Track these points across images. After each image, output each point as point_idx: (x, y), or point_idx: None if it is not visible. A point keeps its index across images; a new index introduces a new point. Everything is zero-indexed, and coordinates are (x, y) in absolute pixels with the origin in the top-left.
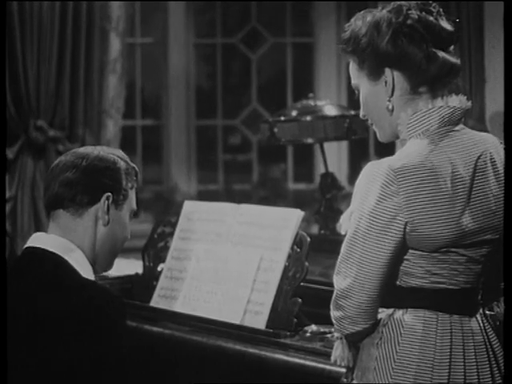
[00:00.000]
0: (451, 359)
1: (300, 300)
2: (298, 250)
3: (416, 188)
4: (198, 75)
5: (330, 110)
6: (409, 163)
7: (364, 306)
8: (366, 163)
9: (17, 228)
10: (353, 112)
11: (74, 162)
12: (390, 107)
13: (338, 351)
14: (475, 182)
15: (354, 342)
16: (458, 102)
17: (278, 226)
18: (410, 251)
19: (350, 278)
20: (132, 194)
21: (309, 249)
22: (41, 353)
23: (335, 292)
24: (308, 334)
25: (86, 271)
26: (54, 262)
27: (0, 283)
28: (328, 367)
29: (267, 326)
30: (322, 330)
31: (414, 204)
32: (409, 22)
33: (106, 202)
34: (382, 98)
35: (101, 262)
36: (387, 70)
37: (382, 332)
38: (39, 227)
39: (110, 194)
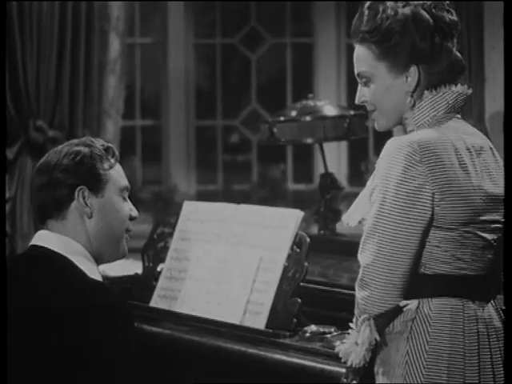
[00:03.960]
0: (479, 346)
1: (299, 300)
2: (298, 250)
3: (438, 158)
4: (197, 75)
5: (330, 110)
6: (428, 137)
7: (392, 282)
8: (366, 163)
9: (16, 228)
10: (352, 112)
11: (41, 172)
12: (412, 103)
13: (366, 333)
14: (483, 161)
15: (380, 326)
16: (460, 88)
17: (278, 226)
18: (435, 234)
19: (377, 251)
20: (114, 173)
21: (308, 249)
22: (41, 351)
23: (361, 271)
24: (308, 334)
25: (92, 271)
26: (59, 262)
27: (0, 283)
28: (328, 367)
29: (267, 326)
30: (321, 330)
31: (438, 173)
32: (446, 19)
33: (81, 195)
34: (400, 91)
35: (105, 251)
36: (413, 67)
37: (411, 327)
38: (38, 227)
39: (81, 186)
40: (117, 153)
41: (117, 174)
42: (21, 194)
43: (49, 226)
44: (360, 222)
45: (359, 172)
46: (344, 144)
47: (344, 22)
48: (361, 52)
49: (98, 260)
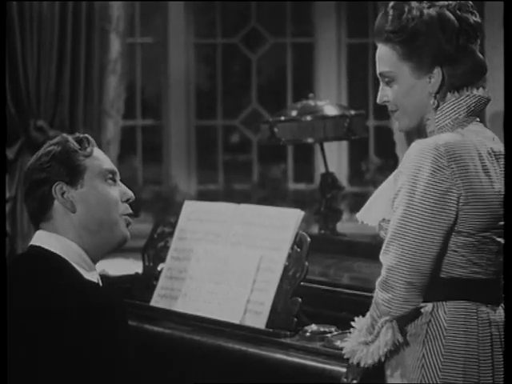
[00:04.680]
0: (493, 349)
1: (300, 300)
2: (298, 249)
3: (463, 162)
4: (198, 75)
5: (330, 110)
6: (453, 140)
7: (415, 283)
8: (366, 163)
9: (16, 228)
10: (353, 112)
11: (24, 180)
12: (436, 104)
13: (389, 335)
14: (502, 166)
15: (400, 327)
16: (481, 92)
17: (278, 225)
18: (454, 239)
19: (402, 254)
20: (92, 160)
21: (309, 248)
22: (41, 352)
23: (384, 272)
24: (308, 334)
25: (87, 272)
26: (54, 262)
27: (0, 283)
28: (328, 367)
29: (267, 326)
30: (322, 329)
31: (464, 178)
32: (471, 21)
33: (58, 191)
34: (423, 92)
35: (101, 240)
36: (437, 68)
37: (427, 330)
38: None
39: (57, 183)
40: (92, 141)
41: (95, 161)
42: (21, 194)
43: (43, 228)
44: (380, 223)
45: (360, 172)
46: (344, 144)
47: (344, 22)
48: (384, 52)
49: (97, 252)
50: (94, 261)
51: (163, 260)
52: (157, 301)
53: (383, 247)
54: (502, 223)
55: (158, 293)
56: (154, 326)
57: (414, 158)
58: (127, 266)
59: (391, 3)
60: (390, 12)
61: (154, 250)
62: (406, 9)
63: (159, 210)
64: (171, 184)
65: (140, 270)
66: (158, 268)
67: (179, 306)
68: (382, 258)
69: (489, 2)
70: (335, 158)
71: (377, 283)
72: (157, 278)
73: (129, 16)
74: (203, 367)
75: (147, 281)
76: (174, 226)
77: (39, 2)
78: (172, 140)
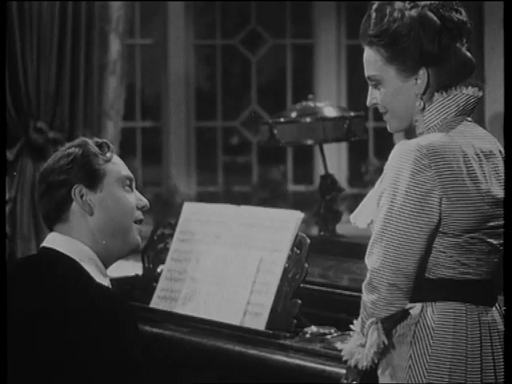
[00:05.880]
0: (482, 350)
1: (300, 301)
2: (298, 251)
3: (446, 163)
4: (197, 77)
5: (330, 112)
6: (437, 141)
7: (399, 285)
8: (366, 165)
9: (16, 229)
10: (352, 113)
11: (40, 181)
12: (422, 105)
13: (374, 337)
14: (492, 165)
15: (387, 329)
16: (471, 91)
17: (278, 227)
18: (441, 240)
19: (385, 255)
20: (112, 166)
21: (308, 250)
22: (47, 354)
23: (368, 274)
24: (308, 335)
25: (98, 273)
26: (66, 264)
27: (0, 283)
28: (328, 368)
29: (267, 327)
30: (321, 331)
31: (446, 179)
32: (454, 19)
33: (77, 193)
34: (410, 93)
35: (114, 246)
36: (422, 69)
37: (414, 330)
38: (39, 229)
39: (77, 185)
40: (112, 146)
41: (114, 167)
42: (21, 196)
43: (57, 230)
44: (368, 225)
45: (359, 173)
46: (344, 145)
47: (344, 23)
48: (370, 55)
49: (109, 257)
50: (105, 266)
51: (163, 261)
52: (156, 302)
53: (367, 249)
54: (492, 224)
55: (157, 294)
56: (154, 328)
57: (397, 158)
58: (127, 268)
59: (374, 5)
60: (373, 15)
61: (154, 251)
62: (388, 11)
63: (159, 211)
64: (171, 185)
65: (140, 272)
66: (158, 270)
67: (179, 308)
68: (366, 260)
69: (489, 2)
70: (335, 159)
71: (363, 285)
72: (157, 280)
73: (129, 17)
74: (203, 368)
75: (147, 282)
76: (173, 227)
77: (39, 2)
78: (172, 141)
